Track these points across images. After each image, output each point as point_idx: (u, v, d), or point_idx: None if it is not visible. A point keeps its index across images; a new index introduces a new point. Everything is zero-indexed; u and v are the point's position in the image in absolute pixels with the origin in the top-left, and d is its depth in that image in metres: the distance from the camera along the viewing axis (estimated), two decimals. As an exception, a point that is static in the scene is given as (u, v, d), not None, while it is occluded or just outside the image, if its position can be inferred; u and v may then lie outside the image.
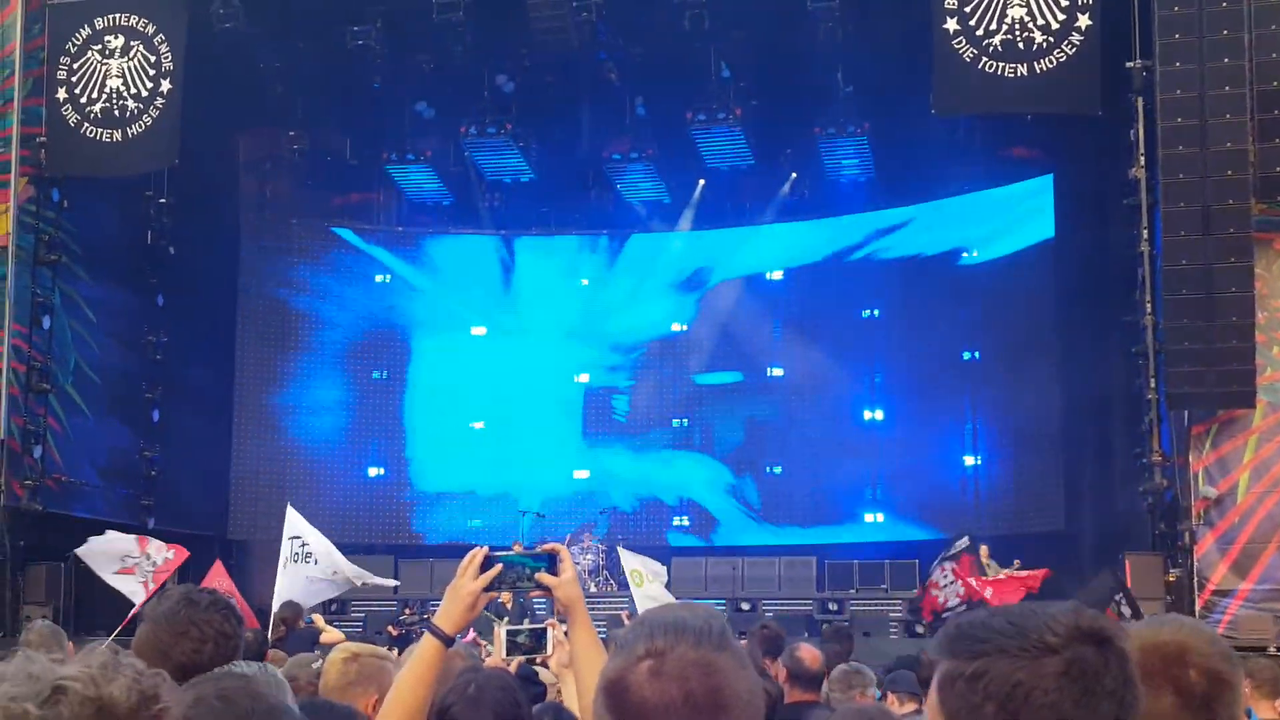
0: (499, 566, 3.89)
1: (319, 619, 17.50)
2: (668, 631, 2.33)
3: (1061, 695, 2.19)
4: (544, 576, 3.90)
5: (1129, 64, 20.32)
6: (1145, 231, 20.56)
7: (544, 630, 4.41)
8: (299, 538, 18.66)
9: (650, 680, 2.27)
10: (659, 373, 31.57)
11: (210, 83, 24.17)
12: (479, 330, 31.97)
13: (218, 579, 19.69)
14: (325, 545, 18.79)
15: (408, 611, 24.25)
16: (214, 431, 29.41)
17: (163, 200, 26.50)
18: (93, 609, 22.33)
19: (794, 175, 30.10)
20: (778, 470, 30.67)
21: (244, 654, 4.65)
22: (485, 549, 3.96)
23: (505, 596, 18.63)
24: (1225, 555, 19.53)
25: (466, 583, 3.89)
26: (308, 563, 18.47)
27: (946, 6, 20.50)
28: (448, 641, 3.87)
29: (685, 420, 31.50)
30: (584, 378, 31.89)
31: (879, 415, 30.08)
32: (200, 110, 23.81)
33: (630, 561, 20.39)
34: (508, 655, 4.74)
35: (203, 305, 28.46)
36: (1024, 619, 2.27)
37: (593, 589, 26.26)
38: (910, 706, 8.64)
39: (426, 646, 3.88)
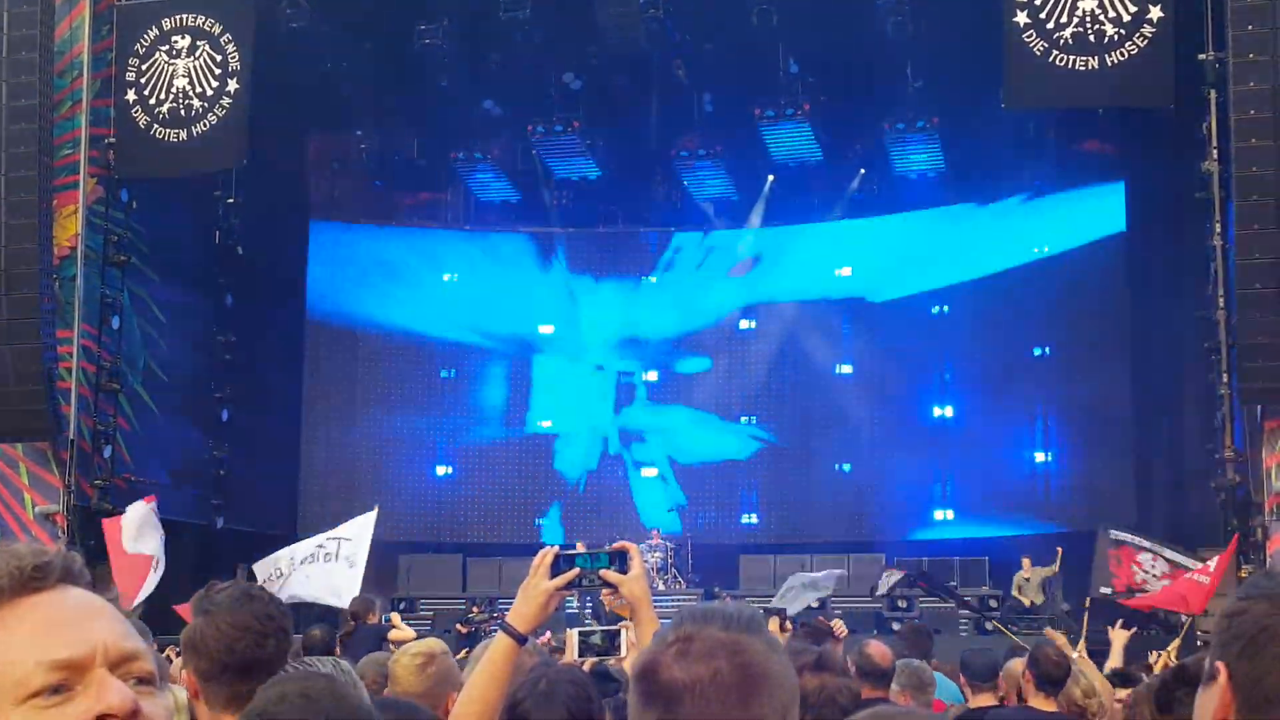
0: (576, 570, 3.86)
1: (395, 617, 17.31)
2: (696, 618, 2.35)
3: None
4: (608, 574, 3.87)
5: (1201, 56, 20.10)
6: (1218, 225, 20.36)
7: (617, 632, 4.37)
8: (349, 540, 18.05)
9: (678, 661, 2.27)
10: (727, 370, 31.49)
11: (278, 83, 24.26)
12: (546, 328, 31.99)
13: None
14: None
15: (476, 610, 24.26)
16: (283, 431, 29.60)
17: (231, 200, 26.56)
18: (164, 610, 22.47)
19: (863, 171, 29.94)
20: (847, 468, 30.53)
21: (313, 650, 4.60)
22: (556, 548, 3.93)
23: (606, 595, 18.57)
24: (1298, 551, 19.28)
25: (539, 582, 3.86)
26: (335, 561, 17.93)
27: (1017, 0, 20.34)
28: (521, 640, 3.85)
29: (753, 418, 31.41)
30: (652, 375, 31.88)
31: (949, 412, 29.90)
32: (268, 110, 23.89)
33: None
34: (580, 656, 4.70)
35: (271, 305, 28.62)
36: None
37: (660, 586, 26.23)
38: (985, 697, 8.68)
39: (499, 645, 3.86)
